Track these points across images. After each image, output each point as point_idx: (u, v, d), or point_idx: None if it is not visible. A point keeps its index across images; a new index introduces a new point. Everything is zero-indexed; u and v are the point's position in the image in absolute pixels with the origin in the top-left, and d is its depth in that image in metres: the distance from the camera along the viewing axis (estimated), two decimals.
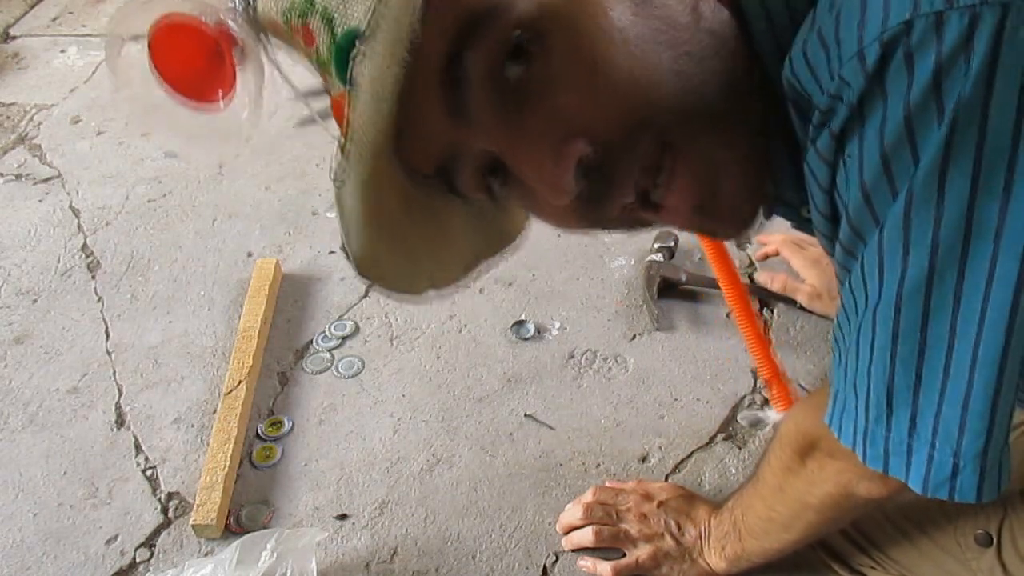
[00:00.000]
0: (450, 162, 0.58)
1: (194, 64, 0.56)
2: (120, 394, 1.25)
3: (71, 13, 2.29)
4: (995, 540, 0.84)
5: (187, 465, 1.15)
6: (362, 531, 1.06)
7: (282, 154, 1.72)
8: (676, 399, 1.21)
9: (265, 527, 1.06)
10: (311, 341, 1.32)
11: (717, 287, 1.33)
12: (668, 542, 0.97)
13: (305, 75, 0.58)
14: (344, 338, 1.32)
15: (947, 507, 0.88)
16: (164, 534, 1.07)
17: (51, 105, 1.90)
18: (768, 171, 0.61)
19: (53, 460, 1.16)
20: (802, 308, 1.28)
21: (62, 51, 2.12)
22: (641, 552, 0.97)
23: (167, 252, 1.49)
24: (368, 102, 0.51)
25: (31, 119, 1.86)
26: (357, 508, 1.09)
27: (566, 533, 1.03)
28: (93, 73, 2.02)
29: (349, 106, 0.51)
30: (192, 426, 1.20)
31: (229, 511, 1.08)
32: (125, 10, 0.58)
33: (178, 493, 1.12)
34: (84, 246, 1.51)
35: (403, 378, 1.25)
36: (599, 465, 1.13)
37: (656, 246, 1.39)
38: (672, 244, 1.39)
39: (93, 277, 1.45)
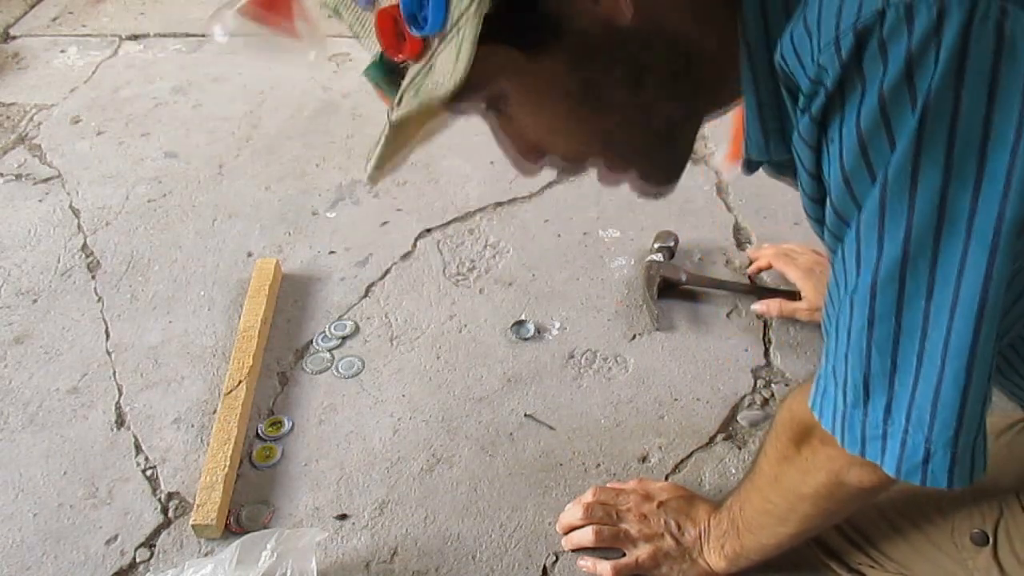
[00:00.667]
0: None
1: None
2: (120, 394, 1.25)
3: (71, 13, 2.29)
4: (991, 539, 0.84)
5: (187, 465, 1.15)
6: (362, 531, 1.06)
7: (282, 154, 1.72)
8: (676, 399, 1.21)
9: (265, 527, 1.06)
10: (311, 341, 1.32)
11: (717, 287, 1.33)
12: (668, 542, 0.97)
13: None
14: (344, 338, 1.32)
15: (943, 506, 0.88)
16: (164, 534, 1.07)
17: (51, 105, 1.90)
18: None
19: (53, 460, 1.16)
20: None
21: (62, 51, 2.12)
22: (641, 552, 0.97)
23: (167, 252, 1.49)
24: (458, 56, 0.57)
25: (31, 119, 1.86)
26: (357, 508, 1.09)
27: (566, 533, 1.03)
28: (93, 73, 2.02)
29: (436, 54, 0.59)
30: (192, 426, 1.20)
31: (229, 511, 1.08)
32: None
33: (178, 493, 1.12)
34: (84, 246, 1.51)
35: (403, 378, 1.25)
36: (599, 465, 1.13)
37: (656, 246, 1.39)
38: (672, 244, 1.39)
39: (93, 277, 1.45)
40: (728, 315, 1.32)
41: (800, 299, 1.27)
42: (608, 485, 1.07)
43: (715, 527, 0.95)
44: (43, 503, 1.11)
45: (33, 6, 2.33)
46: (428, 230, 1.51)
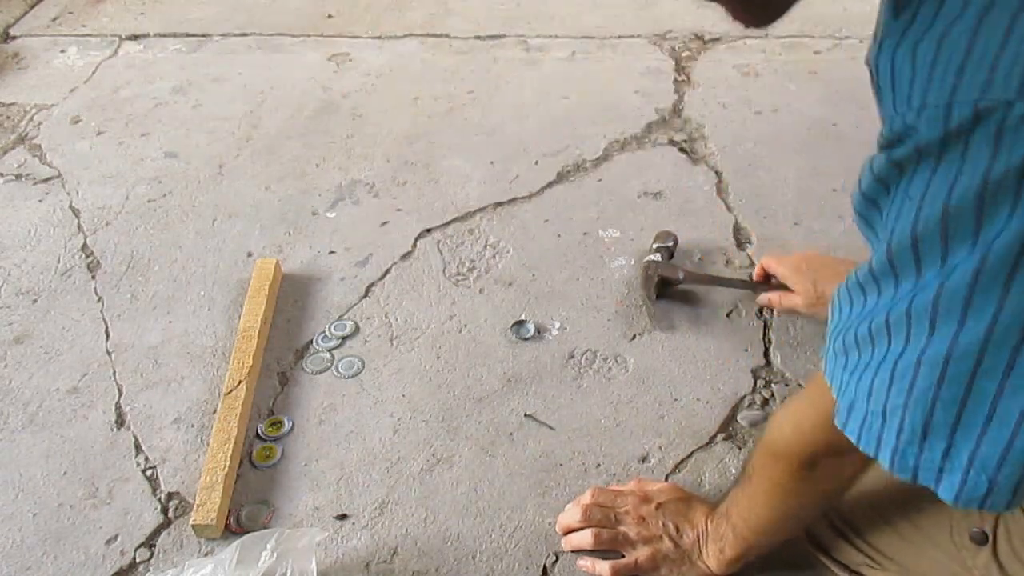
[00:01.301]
0: None
1: None
2: (120, 394, 1.25)
3: (71, 13, 2.29)
4: (990, 538, 0.84)
5: (187, 465, 1.15)
6: (362, 531, 1.06)
7: (282, 154, 1.72)
8: (676, 399, 1.21)
9: (265, 527, 1.06)
10: (311, 341, 1.32)
11: (715, 283, 1.33)
12: (667, 544, 0.97)
13: None
14: (344, 338, 1.32)
15: (943, 505, 0.88)
16: (164, 534, 1.07)
17: (51, 105, 1.90)
18: None
19: (53, 460, 1.16)
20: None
21: (62, 51, 2.12)
22: (640, 554, 0.97)
23: (167, 252, 1.49)
24: None
25: (31, 119, 1.86)
26: (357, 508, 1.09)
27: (565, 534, 1.03)
28: (93, 73, 2.02)
29: None
30: (192, 426, 1.20)
31: (229, 511, 1.08)
32: None
33: (178, 493, 1.12)
34: (84, 246, 1.51)
35: (403, 378, 1.25)
36: (599, 465, 1.13)
37: (655, 246, 1.39)
38: (671, 244, 1.39)
39: (93, 277, 1.45)
40: (728, 315, 1.32)
41: (800, 312, 1.27)
42: (607, 488, 1.07)
43: (713, 531, 0.95)
44: (43, 503, 1.11)
45: (33, 6, 2.33)
46: (428, 230, 1.52)
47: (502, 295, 1.38)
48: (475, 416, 1.20)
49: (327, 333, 1.32)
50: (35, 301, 1.41)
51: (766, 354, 1.26)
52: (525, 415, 1.19)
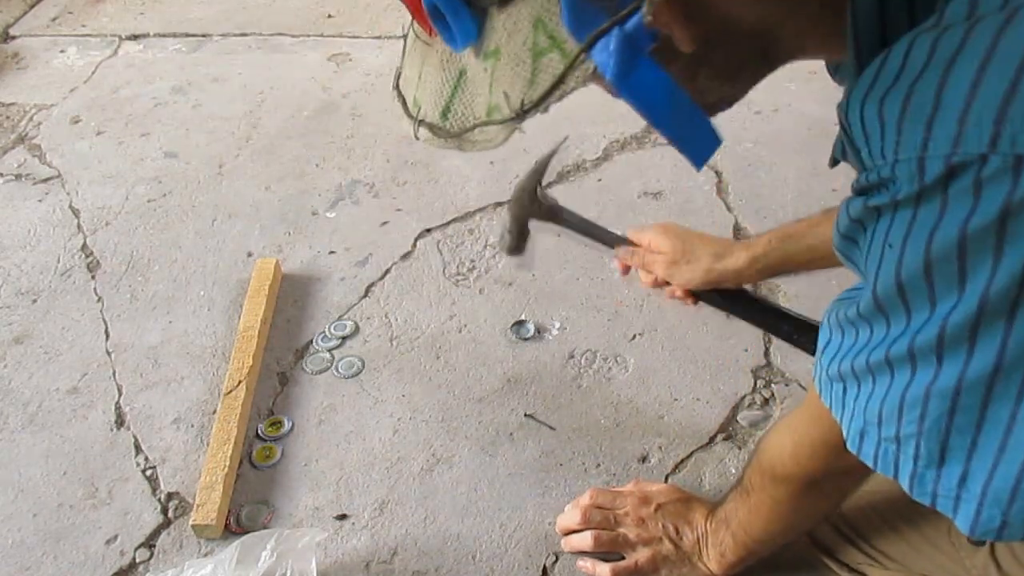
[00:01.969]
0: None
1: None
2: (120, 394, 1.25)
3: (71, 13, 2.29)
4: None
5: (187, 465, 1.15)
6: (362, 531, 1.06)
7: (282, 154, 1.72)
8: (676, 399, 1.21)
9: (265, 527, 1.06)
10: (311, 341, 1.32)
11: (586, 234, 1.19)
12: (667, 546, 0.97)
13: None
14: (344, 338, 1.32)
15: None
16: (164, 534, 1.07)
17: (51, 105, 1.90)
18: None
19: (53, 460, 1.16)
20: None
21: (62, 51, 2.12)
22: (640, 555, 0.97)
23: (167, 252, 1.49)
24: None
25: (31, 119, 1.86)
26: (357, 508, 1.09)
27: (565, 535, 1.03)
28: (93, 73, 2.02)
29: None
30: (192, 426, 1.20)
31: (229, 511, 1.08)
32: None
33: (178, 493, 1.12)
34: (84, 246, 1.51)
35: (403, 378, 1.25)
36: (599, 465, 1.13)
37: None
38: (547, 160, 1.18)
39: (93, 277, 1.45)
40: (728, 315, 1.32)
41: (657, 274, 1.14)
42: (606, 488, 1.07)
43: (712, 534, 0.95)
44: (43, 503, 1.11)
45: (33, 6, 2.33)
46: (428, 230, 1.51)
47: (502, 295, 1.38)
48: (475, 416, 1.20)
49: (327, 333, 1.32)
50: (35, 301, 1.41)
51: (766, 354, 1.26)
52: (525, 415, 1.19)
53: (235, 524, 1.07)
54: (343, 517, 1.08)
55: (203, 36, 2.15)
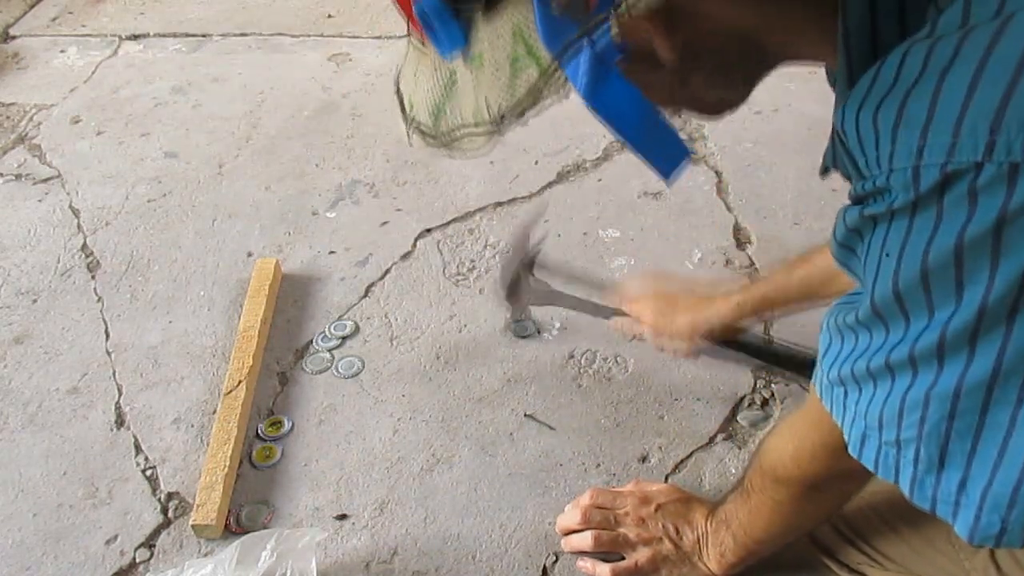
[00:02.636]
0: None
1: None
2: (120, 394, 1.25)
3: (71, 13, 2.29)
4: None
5: (187, 465, 1.15)
6: (362, 531, 1.06)
7: (282, 154, 1.72)
8: (676, 399, 1.21)
9: (265, 527, 1.06)
10: (311, 341, 1.32)
11: (578, 308, 1.25)
12: (667, 546, 0.97)
13: None
14: (344, 338, 1.32)
15: None
16: (164, 534, 1.07)
17: (51, 105, 1.90)
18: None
19: (53, 460, 1.16)
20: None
21: (62, 51, 2.12)
22: (640, 556, 0.97)
23: (167, 252, 1.49)
24: None
25: (31, 119, 1.86)
26: (357, 508, 1.09)
27: (565, 535, 1.03)
28: (93, 73, 2.02)
29: None
30: (192, 426, 1.20)
31: (229, 511, 1.08)
32: None
33: (178, 493, 1.12)
34: (84, 246, 1.51)
35: (403, 378, 1.25)
36: (599, 465, 1.13)
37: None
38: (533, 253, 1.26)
39: (93, 277, 1.45)
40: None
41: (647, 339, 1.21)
42: (606, 488, 1.07)
43: (712, 535, 0.95)
44: (43, 503, 1.11)
45: (33, 6, 2.33)
46: (428, 230, 1.51)
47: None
48: (475, 416, 1.20)
49: (327, 333, 1.32)
50: (35, 301, 1.41)
51: None
52: (525, 415, 1.19)
53: (235, 524, 1.07)
54: (343, 517, 1.08)
55: (203, 36, 2.15)
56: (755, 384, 1.22)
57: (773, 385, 1.22)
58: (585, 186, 1.59)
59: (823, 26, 0.55)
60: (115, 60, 2.07)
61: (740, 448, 1.14)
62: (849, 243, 0.57)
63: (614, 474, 1.11)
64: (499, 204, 1.56)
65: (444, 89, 0.59)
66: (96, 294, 1.42)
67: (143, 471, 1.15)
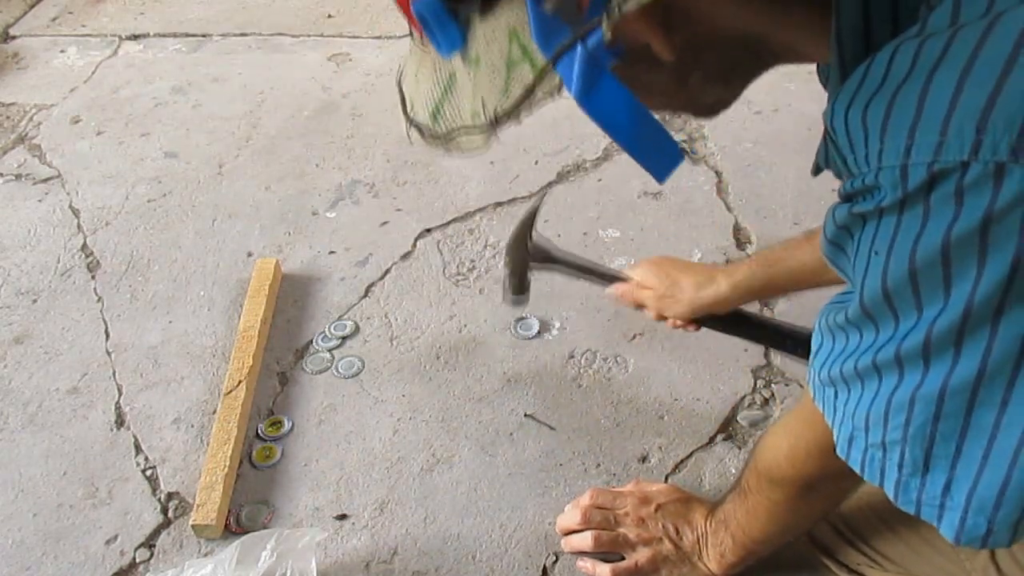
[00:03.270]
0: None
1: None
2: (120, 394, 1.25)
3: (71, 13, 2.29)
4: None
5: (187, 465, 1.15)
6: (362, 531, 1.06)
7: (282, 154, 1.72)
8: (676, 399, 1.21)
9: (265, 527, 1.06)
10: (311, 341, 1.32)
11: (583, 273, 1.21)
12: (667, 546, 0.97)
13: None
14: (344, 338, 1.32)
15: None
16: (164, 534, 1.07)
17: (51, 105, 1.90)
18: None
19: (53, 460, 1.16)
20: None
21: (62, 51, 2.12)
22: (640, 556, 0.98)
23: (167, 252, 1.49)
24: None
25: (31, 119, 1.86)
26: (357, 508, 1.09)
27: (565, 535, 1.03)
28: (93, 73, 2.02)
29: None
30: (192, 426, 1.20)
31: (229, 511, 1.08)
32: None
33: (178, 493, 1.12)
34: (84, 246, 1.51)
35: (403, 378, 1.25)
36: (599, 465, 1.13)
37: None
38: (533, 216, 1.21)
39: (93, 277, 1.45)
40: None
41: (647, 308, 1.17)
42: (606, 488, 1.07)
43: (712, 535, 0.95)
44: (43, 503, 1.11)
45: (33, 6, 2.33)
46: (428, 230, 1.52)
47: (502, 295, 1.37)
48: (475, 416, 1.20)
49: (327, 333, 1.32)
50: (35, 301, 1.41)
51: (766, 354, 1.26)
52: (525, 415, 1.19)
53: (235, 524, 1.07)
54: (343, 517, 1.08)
55: (203, 36, 2.15)
56: (755, 384, 1.22)
57: (773, 385, 1.22)
58: (585, 186, 1.59)
59: (821, 25, 0.56)
60: (115, 60, 2.07)
61: (740, 448, 1.14)
62: (839, 241, 0.57)
63: (614, 474, 1.11)
64: (499, 204, 1.56)
65: (443, 89, 0.60)
66: (96, 294, 1.42)
67: (143, 471, 1.15)
